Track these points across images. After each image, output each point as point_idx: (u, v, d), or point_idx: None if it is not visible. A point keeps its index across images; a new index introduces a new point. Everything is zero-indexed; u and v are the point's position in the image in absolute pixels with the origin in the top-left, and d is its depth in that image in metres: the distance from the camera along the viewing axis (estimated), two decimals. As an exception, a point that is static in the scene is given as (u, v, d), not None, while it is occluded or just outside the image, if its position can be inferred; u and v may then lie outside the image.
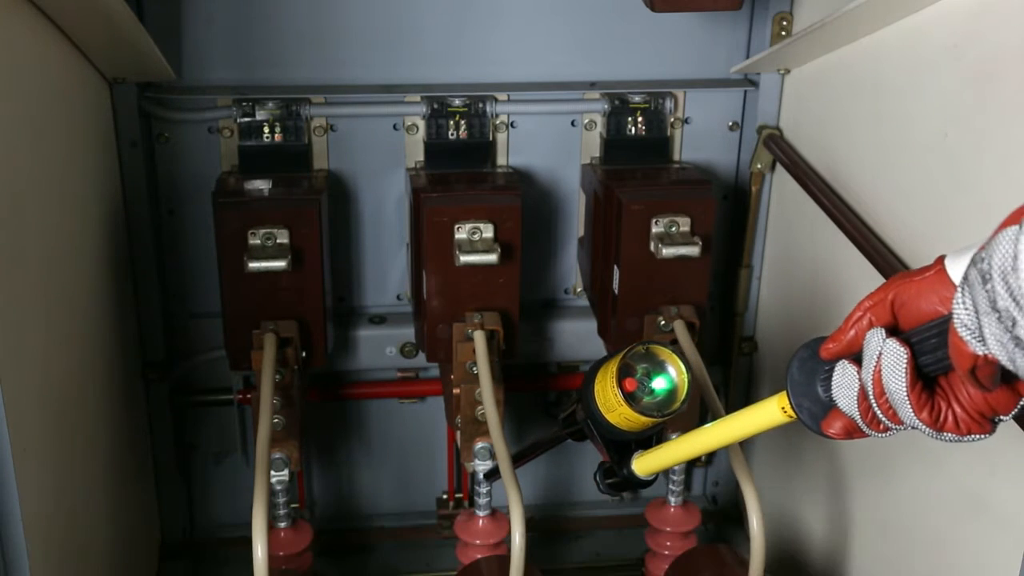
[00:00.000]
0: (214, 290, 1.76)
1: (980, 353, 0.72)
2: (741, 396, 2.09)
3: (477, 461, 1.70)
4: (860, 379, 0.85)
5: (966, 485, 1.37)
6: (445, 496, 2.13)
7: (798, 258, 1.87)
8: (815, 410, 0.93)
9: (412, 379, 2.01)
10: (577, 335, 1.96)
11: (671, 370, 1.20)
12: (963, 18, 1.34)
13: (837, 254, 1.67)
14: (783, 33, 1.83)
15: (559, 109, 1.88)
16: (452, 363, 1.70)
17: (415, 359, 1.94)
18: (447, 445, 2.07)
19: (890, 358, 0.81)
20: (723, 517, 2.19)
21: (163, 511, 2.02)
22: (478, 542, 1.75)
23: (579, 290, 2.00)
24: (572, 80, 1.88)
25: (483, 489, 1.74)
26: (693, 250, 1.67)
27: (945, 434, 0.81)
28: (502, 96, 1.85)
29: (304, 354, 1.70)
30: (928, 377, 0.81)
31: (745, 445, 2.07)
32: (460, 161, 1.85)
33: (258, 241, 1.65)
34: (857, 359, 0.86)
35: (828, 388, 0.90)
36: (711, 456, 2.19)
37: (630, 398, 1.18)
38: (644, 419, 1.18)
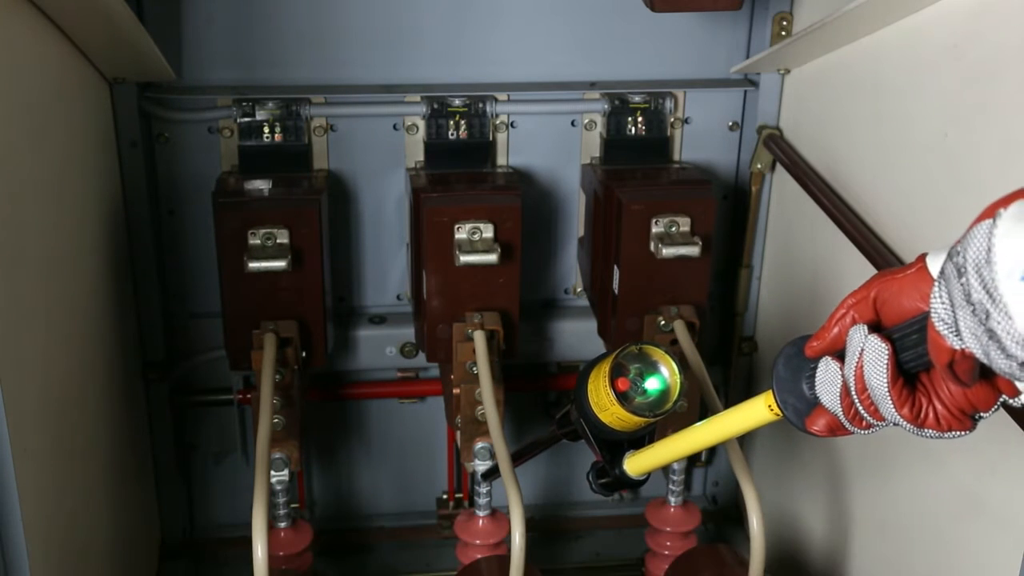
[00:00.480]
0: (214, 290, 1.76)
1: (957, 347, 0.72)
2: (741, 396, 2.07)
3: (477, 461, 1.70)
4: (843, 375, 0.86)
5: (966, 485, 1.37)
6: (445, 496, 2.13)
7: (798, 258, 1.87)
8: (800, 407, 0.93)
9: (412, 379, 2.01)
10: (577, 335, 1.96)
11: (664, 370, 1.20)
12: (963, 18, 1.34)
13: (837, 254, 1.67)
14: (783, 33, 1.83)
15: (559, 109, 1.88)
16: (452, 363, 1.71)
17: (415, 359, 1.94)
18: (447, 445, 2.07)
19: (872, 354, 0.81)
20: (723, 517, 2.19)
21: (163, 511, 2.02)
22: (478, 542, 1.75)
23: (579, 290, 2.00)
24: (572, 80, 1.88)
25: (483, 489, 1.74)
26: (693, 250, 1.67)
27: (926, 430, 0.81)
28: (502, 96, 1.85)
29: (304, 354, 1.70)
30: (910, 374, 0.82)
31: (745, 445, 2.08)
32: (460, 161, 1.85)
33: (258, 241, 1.65)
34: (841, 356, 0.87)
35: (813, 385, 0.90)
36: (711, 456, 2.19)
37: (622, 398, 1.18)
38: (636, 419, 1.19)
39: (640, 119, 1.87)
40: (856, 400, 0.84)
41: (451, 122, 1.84)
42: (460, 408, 1.69)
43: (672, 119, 1.89)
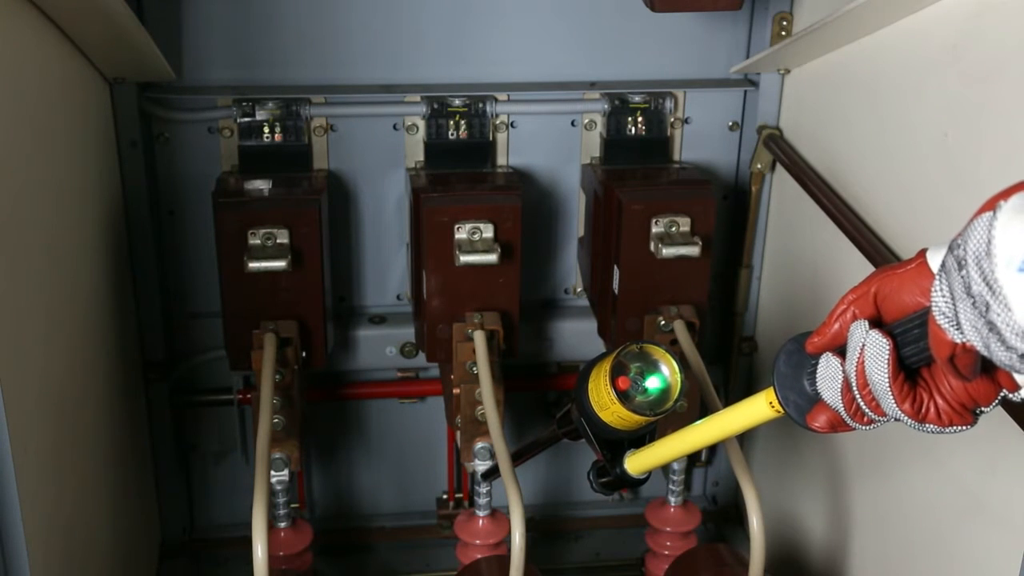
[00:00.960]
0: (214, 290, 1.76)
1: (958, 341, 0.72)
2: (741, 396, 2.05)
3: (477, 461, 1.70)
4: (844, 371, 0.86)
5: (966, 484, 1.37)
6: (445, 496, 2.13)
7: (798, 258, 1.87)
8: (801, 403, 0.93)
9: (412, 379, 2.01)
10: (577, 335, 1.96)
11: (664, 369, 1.20)
12: (963, 18, 1.34)
13: (837, 254, 1.67)
14: (783, 33, 1.83)
15: (559, 109, 1.88)
16: (452, 363, 1.71)
17: (415, 359, 1.94)
18: (447, 445, 2.07)
19: (873, 349, 0.81)
20: (723, 517, 2.19)
21: (163, 511, 2.02)
22: (478, 542, 1.75)
23: (579, 290, 2.00)
24: (572, 80, 1.88)
25: (483, 489, 1.74)
26: (693, 250, 1.67)
27: (927, 425, 0.81)
28: (502, 96, 1.85)
29: (304, 354, 1.70)
30: (911, 369, 0.82)
31: (744, 445, 2.08)
32: (460, 161, 1.85)
33: (258, 241, 1.65)
34: (842, 352, 0.86)
35: (814, 382, 0.90)
36: (711, 456, 2.19)
37: (623, 396, 1.18)
38: (637, 418, 1.19)
39: (640, 119, 1.87)
40: (857, 396, 0.84)
41: (451, 122, 1.84)
42: (460, 408, 1.69)
43: (672, 119, 1.89)
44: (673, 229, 1.69)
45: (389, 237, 1.93)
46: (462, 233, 1.66)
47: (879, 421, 0.86)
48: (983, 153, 1.31)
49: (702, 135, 1.93)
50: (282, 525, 1.75)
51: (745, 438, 2.10)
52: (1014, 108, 1.24)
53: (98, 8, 1.43)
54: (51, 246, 1.38)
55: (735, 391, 2.07)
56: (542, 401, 2.10)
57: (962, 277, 0.69)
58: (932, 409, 0.81)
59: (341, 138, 1.85)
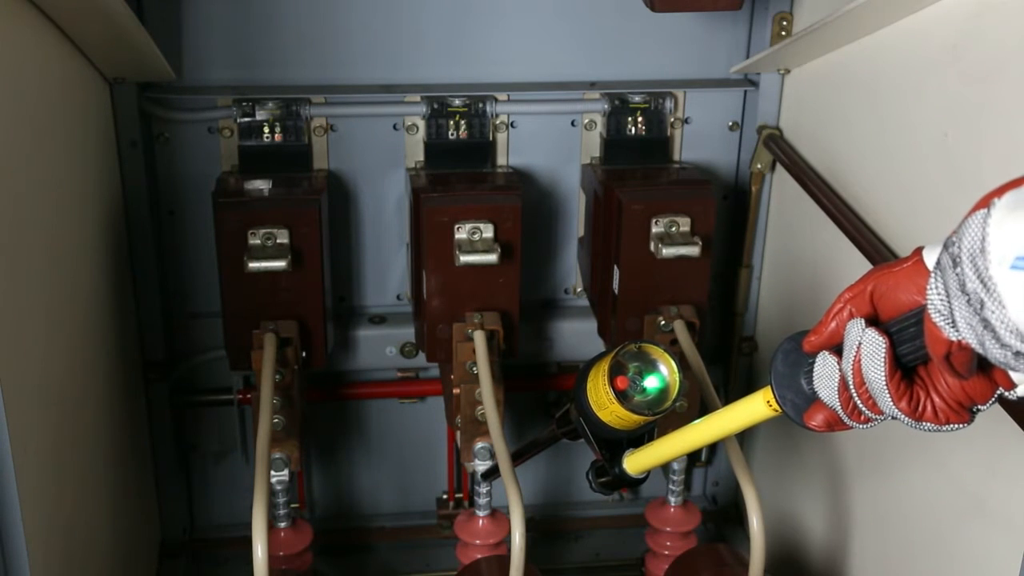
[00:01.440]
0: (214, 290, 1.76)
1: (953, 338, 0.72)
2: (741, 396, 2.07)
3: (477, 461, 1.70)
4: (840, 370, 0.86)
5: (966, 485, 1.37)
6: (445, 496, 2.13)
7: (798, 258, 1.87)
8: (798, 402, 0.93)
9: (412, 379, 2.01)
10: (577, 335, 1.96)
11: (663, 369, 1.20)
12: (963, 18, 1.34)
13: (837, 254, 1.67)
14: (783, 33, 1.83)
15: (559, 109, 1.88)
16: (452, 363, 1.71)
17: (415, 359, 1.94)
18: (447, 445, 2.07)
19: (869, 348, 0.82)
20: (723, 517, 2.19)
21: (163, 511, 2.02)
22: (478, 542, 1.75)
23: (579, 290, 2.00)
24: (572, 80, 1.88)
25: (483, 489, 1.74)
26: (693, 250, 1.67)
27: (924, 424, 0.82)
28: (502, 96, 1.85)
29: (304, 354, 1.70)
30: (908, 367, 0.82)
31: (745, 445, 2.08)
32: (460, 161, 1.85)
33: (258, 241, 1.65)
34: (838, 351, 0.86)
35: (811, 380, 0.90)
36: (711, 456, 2.19)
37: (621, 396, 1.18)
38: (635, 417, 1.19)
39: (640, 119, 1.87)
40: (854, 394, 0.84)
41: (451, 122, 1.84)
42: (460, 408, 1.69)
43: (672, 119, 1.89)
44: (673, 229, 1.69)
45: (389, 237, 1.93)
46: (462, 233, 1.66)
47: (876, 420, 0.86)
48: (983, 153, 1.31)
49: (702, 135, 1.93)
50: (282, 525, 1.75)
51: (745, 438, 2.10)
52: (1014, 108, 1.24)
53: (98, 8, 1.43)
54: (51, 246, 1.38)
55: (735, 391, 2.07)
56: (542, 401, 2.10)
57: (957, 275, 0.69)
58: (929, 407, 0.81)
59: (341, 138, 1.85)
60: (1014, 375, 0.78)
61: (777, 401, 0.95)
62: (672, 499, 1.83)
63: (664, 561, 1.80)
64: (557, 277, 2.00)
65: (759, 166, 1.91)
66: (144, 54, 1.63)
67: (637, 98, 1.86)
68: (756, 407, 0.99)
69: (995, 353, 0.69)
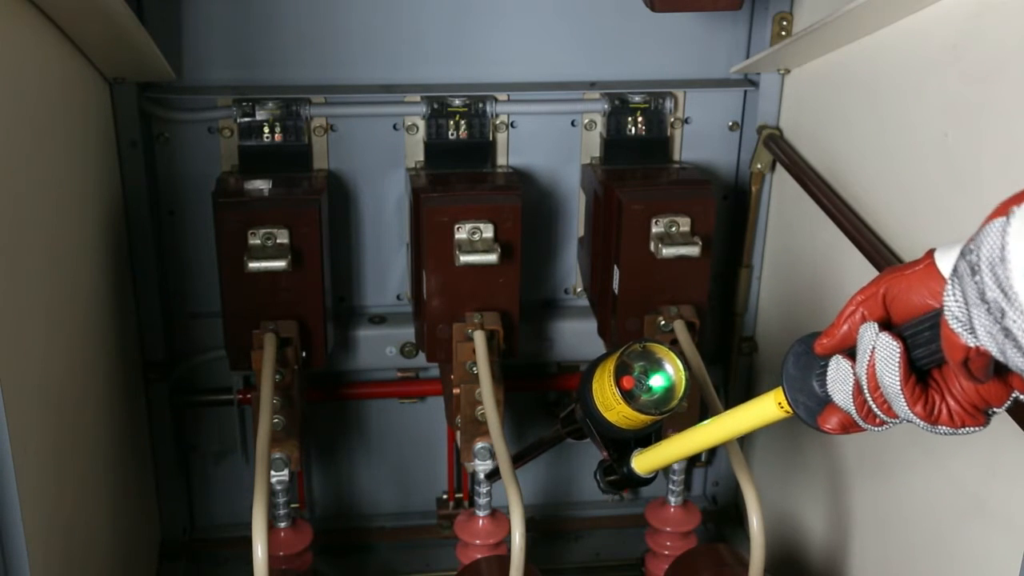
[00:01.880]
0: (214, 290, 1.76)
1: (971, 345, 0.72)
2: (741, 396, 2.08)
3: (477, 461, 1.70)
4: (854, 374, 0.86)
5: (966, 485, 1.37)
6: (445, 496, 2.13)
7: (798, 258, 1.87)
8: (811, 405, 0.93)
9: (412, 379, 2.01)
10: (577, 335, 1.96)
11: (668, 368, 1.20)
12: (963, 18, 1.34)
13: (837, 254, 1.67)
14: (783, 33, 1.83)
15: (559, 109, 1.88)
16: (452, 363, 1.70)
17: (415, 359, 1.94)
18: (447, 445, 2.07)
19: (883, 352, 0.82)
20: (723, 517, 2.19)
21: (163, 511, 2.02)
22: (478, 542, 1.75)
23: (579, 290, 2.00)
24: (572, 80, 1.88)
25: (483, 489, 1.74)
26: (693, 250, 1.67)
27: (939, 427, 0.82)
28: (502, 96, 1.85)
29: (304, 354, 1.70)
30: (922, 370, 0.82)
31: (745, 445, 2.08)
32: (460, 161, 1.85)
33: (258, 241, 1.65)
34: (851, 354, 0.87)
35: (823, 383, 0.90)
36: (711, 456, 2.19)
37: (628, 396, 1.18)
38: (642, 417, 1.19)
39: (640, 119, 1.87)
40: (869, 398, 0.84)
41: (451, 122, 1.84)
42: (460, 408, 1.69)
43: (672, 119, 1.89)
44: (673, 229, 1.69)
45: (389, 237, 1.93)
46: (462, 233, 1.66)
47: (891, 423, 0.86)
48: (983, 153, 1.31)
49: (702, 135, 1.92)
50: (282, 525, 1.74)
51: (745, 438, 2.10)
52: (1014, 108, 1.23)
53: (98, 8, 1.43)
54: (51, 246, 1.38)
55: (735, 391, 2.07)
56: (542, 401, 2.09)
57: (975, 283, 0.69)
58: (944, 411, 0.81)
59: (341, 138, 1.85)
60: None
61: (790, 404, 0.95)
62: (672, 499, 1.83)
63: (664, 561, 1.80)
64: (557, 277, 2.00)
65: (759, 166, 1.91)
66: (144, 54, 1.63)
67: (637, 98, 1.86)
68: (767, 409, 0.99)
69: (1017, 361, 0.68)
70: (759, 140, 1.90)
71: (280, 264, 1.63)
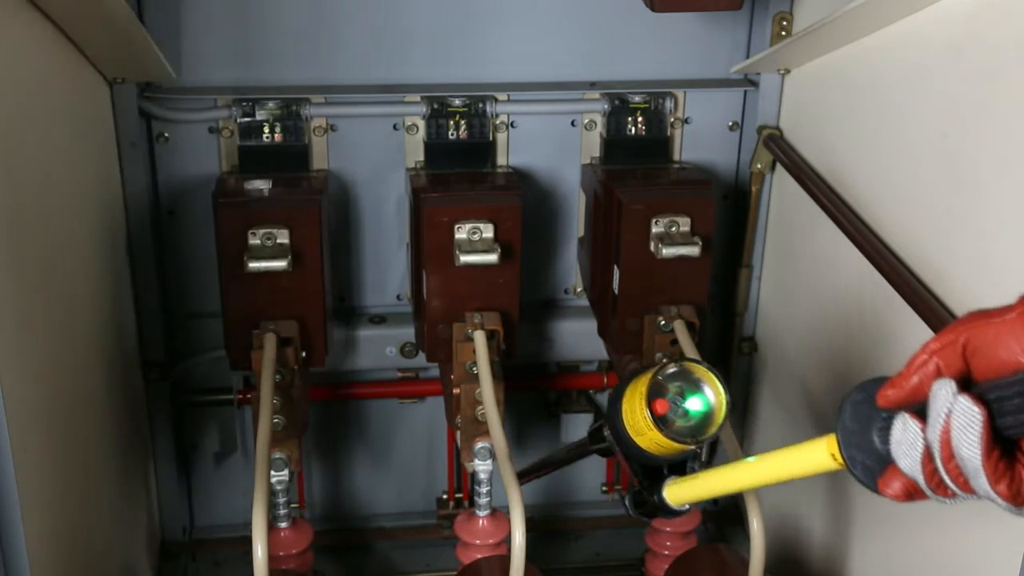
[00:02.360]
0: (214, 290, 1.76)
1: None
2: (741, 396, 2.09)
3: (477, 461, 1.70)
4: (925, 438, 0.73)
5: (966, 485, 1.37)
6: (445, 496, 2.13)
7: (798, 258, 1.87)
8: (870, 464, 0.80)
9: (412, 379, 2.01)
10: (577, 335, 1.96)
11: (708, 390, 1.08)
12: (963, 18, 1.34)
13: (837, 254, 1.67)
14: (783, 33, 1.83)
15: (559, 109, 1.88)
16: (452, 363, 1.70)
17: (415, 359, 1.94)
18: (447, 445, 2.07)
19: (962, 419, 0.69)
20: (723, 517, 2.19)
21: (163, 511, 2.02)
22: (478, 542, 1.75)
23: (579, 290, 2.00)
24: (572, 80, 1.88)
25: (483, 489, 1.74)
26: (693, 250, 1.67)
27: None
28: (502, 96, 1.85)
29: (304, 354, 1.70)
30: (1008, 440, 0.69)
31: (744, 445, 2.08)
32: (460, 161, 1.85)
33: (258, 241, 1.65)
34: (920, 411, 0.74)
35: (885, 440, 0.78)
36: (711, 456, 2.19)
37: (661, 422, 1.07)
38: (676, 445, 1.07)
39: (640, 119, 1.87)
40: (941, 468, 0.72)
41: (451, 122, 1.84)
42: (460, 408, 1.68)
43: (672, 119, 1.89)
44: (673, 229, 1.69)
45: (389, 237, 1.93)
46: (462, 233, 1.66)
47: (966, 498, 0.74)
48: (983, 153, 1.31)
49: (702, 135, 1.93)
50: (282, 525, 1.74)
51: (744, 438, 2.10)
52: (1014, 108, 1.23)
53: (98, 8, 1.43)
54: (51, 246, 1.38)
55: (735, 391, 2.07)
56: (542, 401, 2.10)
57: None
58: None
59: (341, 138, 1.85)
60: None
61: (846, 463, 0.81)
62: (672, 499, 1.83)
63: (664, 561, 1.80)
64: (557, 277, 2.00)
65: (759, 166, 1.91)
66: (144, 54, 1.63)
67: (637, 98, 1.86)
68: (819, 458, 0.85)
69: None
70: (759, 140, 1.90)
71: (280, 264, 1.63)
